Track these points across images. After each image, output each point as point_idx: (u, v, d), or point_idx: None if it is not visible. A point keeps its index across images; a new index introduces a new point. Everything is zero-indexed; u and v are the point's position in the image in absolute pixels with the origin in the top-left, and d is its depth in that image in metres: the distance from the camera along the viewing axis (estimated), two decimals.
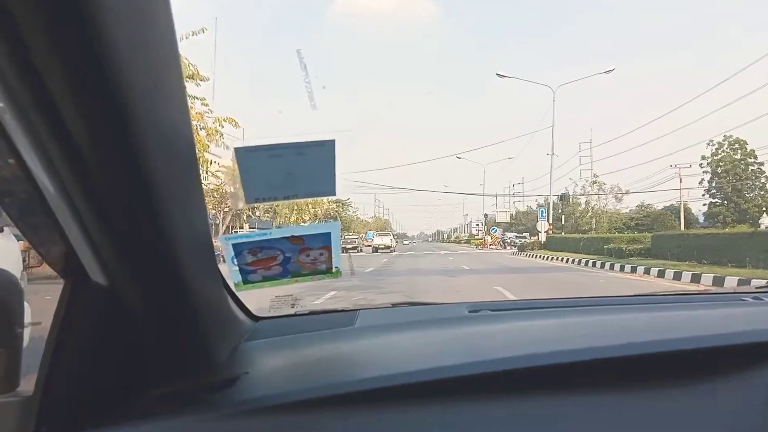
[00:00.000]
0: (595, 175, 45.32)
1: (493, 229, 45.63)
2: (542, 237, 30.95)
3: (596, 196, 44.34)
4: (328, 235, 0.86)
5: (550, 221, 32.16)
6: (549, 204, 33.26)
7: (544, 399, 0.71)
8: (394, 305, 1.40)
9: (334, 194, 0.78)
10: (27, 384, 0.69)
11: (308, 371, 0.87)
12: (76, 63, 0.50)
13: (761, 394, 0.73)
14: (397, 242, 43.21)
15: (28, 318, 0.82)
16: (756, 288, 1.48)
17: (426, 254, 30.14)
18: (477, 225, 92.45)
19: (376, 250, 31.52)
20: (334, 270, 0.92)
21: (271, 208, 23.24)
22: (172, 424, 0.68)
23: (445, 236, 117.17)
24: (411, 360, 0.85)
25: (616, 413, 0.71)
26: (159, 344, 0.76)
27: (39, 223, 0.65)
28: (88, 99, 0.52)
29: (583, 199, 45.70)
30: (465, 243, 67.63)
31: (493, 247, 40.15)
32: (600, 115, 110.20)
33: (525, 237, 46.66)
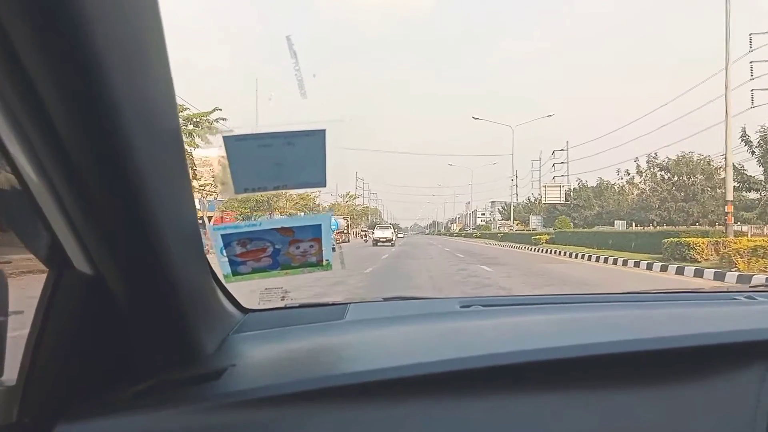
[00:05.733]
0: None
1: None
2: None
3: None
4: (318, 227, 0.84)
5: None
6: None
7: (531, 395, 0.71)
8: (385, 299, 1.39)
9: (324, 185, 0.77)
10: (10, 373, 0.69)
11: (296, 364, 0.86)
12: (57, 50, 0.49)
13: (752, 393, 0.72)
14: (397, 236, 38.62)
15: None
16: (749, 287, 1.46)
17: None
18: (483, 215, 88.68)
19: (376, 243, 30.18)
20: (324, 263, 0.91)
21: None
22: (154, 416, 0.67)
23: (452, 227, 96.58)
24: (400, 354, 0.84)
25: (602, 409, 0.70)
26: (144, 335, 0.75)
27: (22, 211, 0.64)
28: (70, 85, 0.51)
29: None
30: (517, 243, 31.31)
31: None
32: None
33: None
